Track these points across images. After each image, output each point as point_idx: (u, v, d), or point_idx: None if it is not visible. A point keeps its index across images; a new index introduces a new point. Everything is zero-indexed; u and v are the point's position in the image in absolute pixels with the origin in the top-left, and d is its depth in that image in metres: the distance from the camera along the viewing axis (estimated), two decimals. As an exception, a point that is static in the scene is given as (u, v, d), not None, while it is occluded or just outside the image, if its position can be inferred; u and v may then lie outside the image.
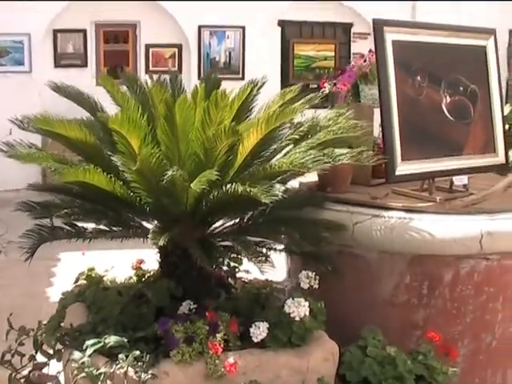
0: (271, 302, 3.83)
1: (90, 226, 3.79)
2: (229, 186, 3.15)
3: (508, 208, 4.12)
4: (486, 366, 4.10)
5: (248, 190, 3.03)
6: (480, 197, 4.27)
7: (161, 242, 3.20)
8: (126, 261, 4.42)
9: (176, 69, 10.32)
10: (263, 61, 10.19)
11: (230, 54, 10.20)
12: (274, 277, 3.92)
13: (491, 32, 4.67)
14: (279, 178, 3.81)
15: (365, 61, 4.63)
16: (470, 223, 3.91)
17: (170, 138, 3.44)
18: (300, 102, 3.85)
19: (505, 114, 9.31)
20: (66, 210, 3.65)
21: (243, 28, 10.13)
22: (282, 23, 10.46)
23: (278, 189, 3.03)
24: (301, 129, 3.67)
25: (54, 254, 6.71)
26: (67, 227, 3.81)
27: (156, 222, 3.69)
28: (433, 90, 4.26)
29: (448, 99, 4.33)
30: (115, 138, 3.32)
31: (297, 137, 3.61)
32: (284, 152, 3.69)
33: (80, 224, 3.83)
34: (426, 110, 4.23)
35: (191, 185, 3.14)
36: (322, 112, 4.15)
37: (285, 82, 10.29)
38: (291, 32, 10.53)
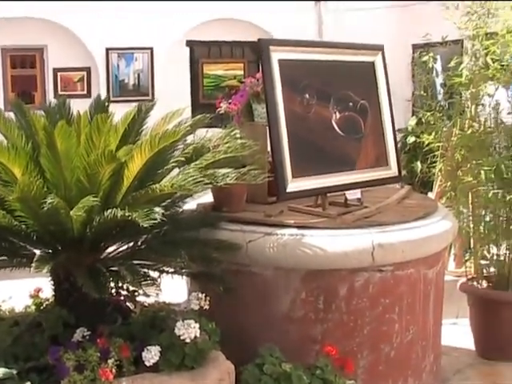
0: (168, 324, 3.81)
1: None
2: (109, 211, 3.13)
3: (399, 220, 4.20)
4: (387, 376, 4.16)
5: (127, 214, 3.02)
6: (373, 210, 4.34)
7: (45, 270, 3.17)
8: (26, 290, 4.34)
9: (85, 92, 10.23)
10: (173, 81, 10.19)
11: (139, 75, 10.17)
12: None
13: (379, 48, 4.77)
14: (169, 201, 3.84)
15: (257, 80, 4.66)
16: (361, 236, 3.97)
17: (54, 165, 3.40)
18: (188, 124, 3.86)
19: (411, 125, 9.63)
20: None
21: (151, 49, 10.12)
22: (191, 43, 10.50)
23: (158, 212, 3.03)
24: (186, 151, 3.67)
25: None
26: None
27: (45, 249, 3.64)
28: (322, 107, 4.32)
29: (338, 115, 4.39)
30: (-1, 167, 3.28)
31: (183, 159, 3.60)
32: (172, 174, 3.68)
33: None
34: (315, 127, 4.28)
35: (71, 212, 3.11)
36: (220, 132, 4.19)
37: (195, 102, 10.34)
38: (200, 52, 10.58)
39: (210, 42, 10.61)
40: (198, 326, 3.42)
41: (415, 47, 10.19)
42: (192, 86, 10.57)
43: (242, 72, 10.52)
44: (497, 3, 5.37)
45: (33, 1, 9.42)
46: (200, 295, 3.70)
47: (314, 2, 10.74)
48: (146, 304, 4.20)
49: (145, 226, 2.99)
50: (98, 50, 10.11)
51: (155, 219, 3.02)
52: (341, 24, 10.52)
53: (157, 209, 3.08)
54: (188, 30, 10.37)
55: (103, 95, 9.82)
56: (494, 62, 5.38)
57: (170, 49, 10.34)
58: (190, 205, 4.42)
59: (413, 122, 9.53)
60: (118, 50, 10.07)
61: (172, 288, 4.05)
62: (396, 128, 9.63)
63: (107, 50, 10.04)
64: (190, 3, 10.03)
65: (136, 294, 4.19)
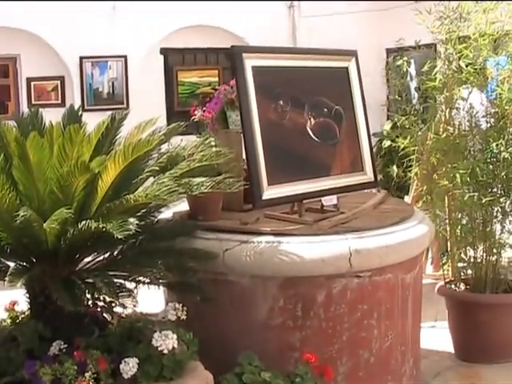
0: (145, 336, 3.77)
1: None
2: (83, 223, 3.10)
3: (375, 225, 4.20)
4: (367, 382, 4.15)
5: (101, 226, 2.99)
6: (349, 215, 4.34)
7: (19, 284, 3.13)
8: (1, 303, 4.28)
9: (60, 101, 10.15)
10: (147, 89, 10.16)
11: (113, 83, 10.12)
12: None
13: (353, 53, 4.77)
14: (144, 211, 3.81)
15: (231, 87, 4.65)
16: (337, 242, 3.96)
17: (27, 177, 3.36)
18: (162, 133, 3.83)
19: (386, 130, 9.66)
20: None
21: (125, 57, 10.06)
22: (165, 51, 10.46)
23: (132, 223, 3.00)
24: (160, 160, 3.65)
25: None
26: None
27: (19, 262, 3.60)
28: (296, 114, 4.31)
29: (312, 121, 4.39)
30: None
31: (157, 168, 3.58)
32: (147, 184, 3.66)
33: None
34: (290, 134, 4.27)
35: (44, 224, 3.07)
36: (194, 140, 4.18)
37: (170, 110, 10.31)
38: (174, 59, 10.54)
39: (184, 49, 10.58)
40: (175, 336, 3.39)
41: (389, 51, 10.25)
42: (167, 94, 10.53)
43: (216, 79, 10.49)
44: (469, 7, 5.38)
45: (5, 10, 9.35)
46: (177, 305, 3.67)
47: (287, 8, 10.74)
48: (123, 315, 4.17)
49: (119, 237, 2.95)
50: (71, 59, 10.03)
51: (130, 230, 2.99)
52: (314, 29, 10.54)
53: (131, 219, 3.06)
54: (162, 38, 10.33)
55: (77, 104, 9.84)
56: (467, 66, 5.40)
57: (144, 56, 10.30)
58: (166, 214, 4.40)
59: (388, 126, 9.56)
60: (91, 58, 10.00)
61: (149, 298, 4.03)
62: (371, 132, 9.70)
63: (81, 58, 9.97)
64: (164, 11, 10.00)
65: (113, 305, 4.16)
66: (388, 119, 9.87)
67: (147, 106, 9.07)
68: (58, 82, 10.19)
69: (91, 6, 9.74)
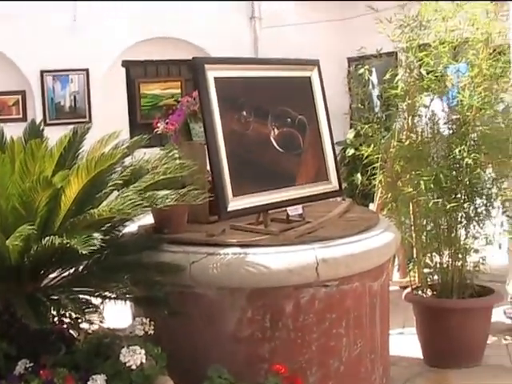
0: (113, 351, 3.73)
1: None
2: (46, 239, 3.06)
3: (341, 234, 4.20)
4: (337, 391, 4.14)
5: (65, 242, 2.95)
6: (315, 225, 4.34)
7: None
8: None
9: (21, 116, 10.04)
10: (110, 102, 10.08)
11: (75, 97, 10.02)
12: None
13: (315, 63, 4.78)
14: (109, 225, 3.77)
15: (194, 99, 4.63)
16: (304, 252, 3.94)
17: (-12, 194, 3.32)
18: (125, 146, 3.81)
19: (349, 138, 9.68)
20: None
21: (87, 70, 9.98)
22: (126, 63, 10.38)
23: (97, 238, 2.97)
24: (124, 173, 3.62)
25: None
26: None
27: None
28: (260, 124, 4.30)
29: (276, 131, 4.38)
30: None
31: (120, 182, 3.55)
32: (111, 198, 3.62)
33: None
34: (254, 144, 4.26)
35: (7, 241, 3.03)
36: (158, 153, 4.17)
37: (133, 122, 10.24)
38: (136, 72, 10.46)
39: (145, 61, 10.52)
40: (143, 351, 3.36)
41: (350, 60, 10.30)
42: (129, 107, 10.45)
43: (179, 90, 10.42)
44: (429, 15, 5.43)
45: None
46: (144, 320, 3.64)
47: (248, 19, 10.75)
48: (90, 331, 4.12)
49: (84, 252, 2.92)
50: (32, 73, 9.93)
51: (94, 245, 2.96)
52: (276, 39, 10.54)
53: (95, 234, 3.02)
54: (123, 50, 10.26)
55: (39, 118, 9.74)
56: (428, 74, 5.45)
57: (105, 69, 10.20)
58: (132, 227, 4.37)
59: (351, 134, 9.58)
60: (52, 72, 9.90)
61: (116, 313, 3.99)
62: (335, 141, 9.72)
63: (42, 72, 9.86)
64: (125, 23, 9.96)
65: (79, 321, 4.11)
66: (351, 128, 9.90)
67: (110, 119, 9.00)
68: (19, 96, 10.07)
69: (52, 19, 9.65)
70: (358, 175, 9.48)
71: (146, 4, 10.02)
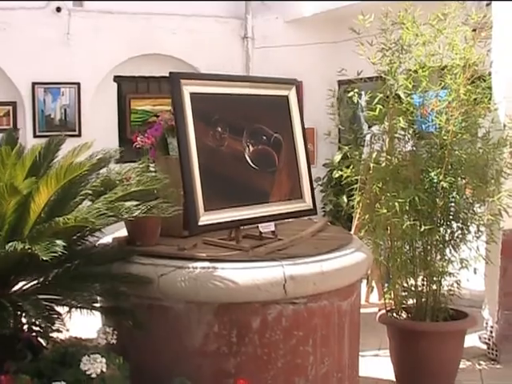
0: (78, 360, 3.74)
1: None
2: (9, 244, 3.09)
3: (311, 252, 4.22)
4: (303, 409, 4.15)
5: (27, 247, 2.98)
6: (286, 242, 4.36)
7: None
8: None
9: (11, 126, 10.08)
10: (100, 117, 10.14)
11: (65, 110, 10.07)
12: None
13: (293, 82, 4.83)
14: (79, 234, 3.80)
15: (173, 114, 4.66)
16: (272, 269, 3.96)
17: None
18: (98, 157, 3.84)
19: (336, 160, 9.72)
20: None
21: (78, 84, 10.04)
22: (118, 79, 10.45)
23: (59, 245, 2.99)
24: (94, 184, 3.65)
25: None
26: None
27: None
28: (235, 140, 4.33)
29: (251, 148, 4.41)
30: None
31: (90, 192, 3.58)
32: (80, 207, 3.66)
33: None
34: (228, 160, 4.29)
35: (-29, 248, 3.06)
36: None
37: (122, 137, 10.28)
38: (127, 88, 10.53)
39: (137, 77, 10.59)
40: (104, 360, 3.38)
41: (340, 83, 10.34)
42: (119, 122, 10.51)
43: (169, 107, 10.48)
44: (410, 40, 5.49)
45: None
46: (107, 329, 3.66)
47: (241, 38, 10.83)
48: (59, 340, 4.14)
49: (45, 258, 2.95)
50: (23, 85, 9.98)
51: (56, 252, 2.98)
52: (268, 60, 10.63)
53: (58, 241, 3.05)
54: (116, 65, 10.32)
55: (29, 130, 9.85)
56: (406, 97, 5.50)
57: (97, 84, 10.27)
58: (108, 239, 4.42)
59: (338, 156, 9.63)
60: (44, 84, 9.95)
61: (88, 323, 4.00)
62: (323, 163, 9.78)
63: (33, 84, 9.91)
64: (118, 38, 10.04)
65: (49, 330, 4.12)
66: (339, 150, 9.95)
67: (100, 133, 9.04)
68: (10, 107, 10.12)
69: (45, 31, 9.72)
70: (344, 197, 9.52)
71: (140, 20, 10.12)
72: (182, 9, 10.25)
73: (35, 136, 9.87)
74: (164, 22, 10.28)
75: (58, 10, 9.79)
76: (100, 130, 9.59)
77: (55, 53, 9.88)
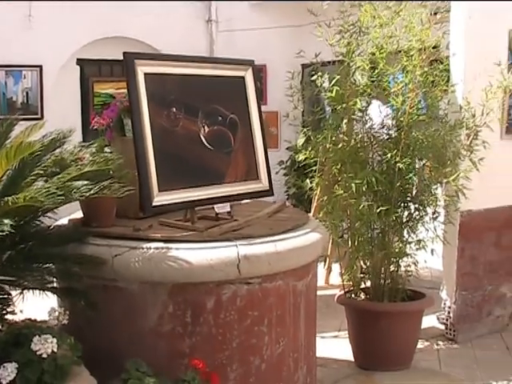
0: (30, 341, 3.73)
1: None
2: (-46, 223, 3.07)
3: (266, 232, 4.23)
4: (258, 389, 4.17)
5: (-28, 227, 2.96)
6: (241, 223, 4.37)
7: None
8: None
9: (-27, 110, 9.99)
10: (63, 100, 10.08)
11: (27, 93, 10.00)
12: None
13: (249, 63, 4.83)
14: (32, 215, 3.78)
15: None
16: (226, 249, 3.97)
17: None
18: (50, 138, 3.82)
19: (299, 143, 9.72)
20: None
21: (40, 67, 9.96)
22: (81, 62, 10.39)
23: (6, 224, 2.98)
24: (45, 164, 3.63)
25: None
26: None
27: None
28: (190, 121, 4.32)
29: (206, 129, 4.41)
30: None
31: (41, 172, 3.56)
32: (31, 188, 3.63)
33: None
34: (183, 141, 4.28)
35: None
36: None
37: (86, 120, 10.21)
38: (90, 71, 10.48)
39: (100, 60, 10.52)
40: (55, 340, 3.36)
41: (304, 66, 10.35)
42: (82, 105, 10.46)
43: (132, 90, 10.48)
44: (368, 22, 5.50)
45: None
46: (58, 309, 3.64)
47: (205, 22, 10.81)
48: (13, 322, 4.12)
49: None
50: (-16, 68, 9.91)
51: (3, 231, 2.96)
52: (232, 43, 10.62)
53: (6, 221, 3.03)
54: (78, 48, 10.26)
55: (-10, 113, 9.74)
56: (364, 78, 5.52)
57: (60, 67, 10.20)
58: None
59: (301, 139, 9.63)
60: (5, 67, 9.87)
61: (47, 305, 3.98)
62: (287, 146, 9.77)
63: (-6, 67, 9.86)
64: (81, 21, 9.96)
65: (2, 312, 4.10)
66: (303, 133, 9.96)
67: (62, 116, 8.99)
68: (-29, 91, 10.04)
69: (6, 13, 9.61)
70: (307, 180, 9.52)
71: (104, 2, 10.03)
72: (146, -9, 10.20)
73: (-4, 119, 9.74)
74: (128, 5, 10.20)
75: (20, -9, 9.68)
76: (63, 114, 9.52)
77: (17, 35, 9.78)
